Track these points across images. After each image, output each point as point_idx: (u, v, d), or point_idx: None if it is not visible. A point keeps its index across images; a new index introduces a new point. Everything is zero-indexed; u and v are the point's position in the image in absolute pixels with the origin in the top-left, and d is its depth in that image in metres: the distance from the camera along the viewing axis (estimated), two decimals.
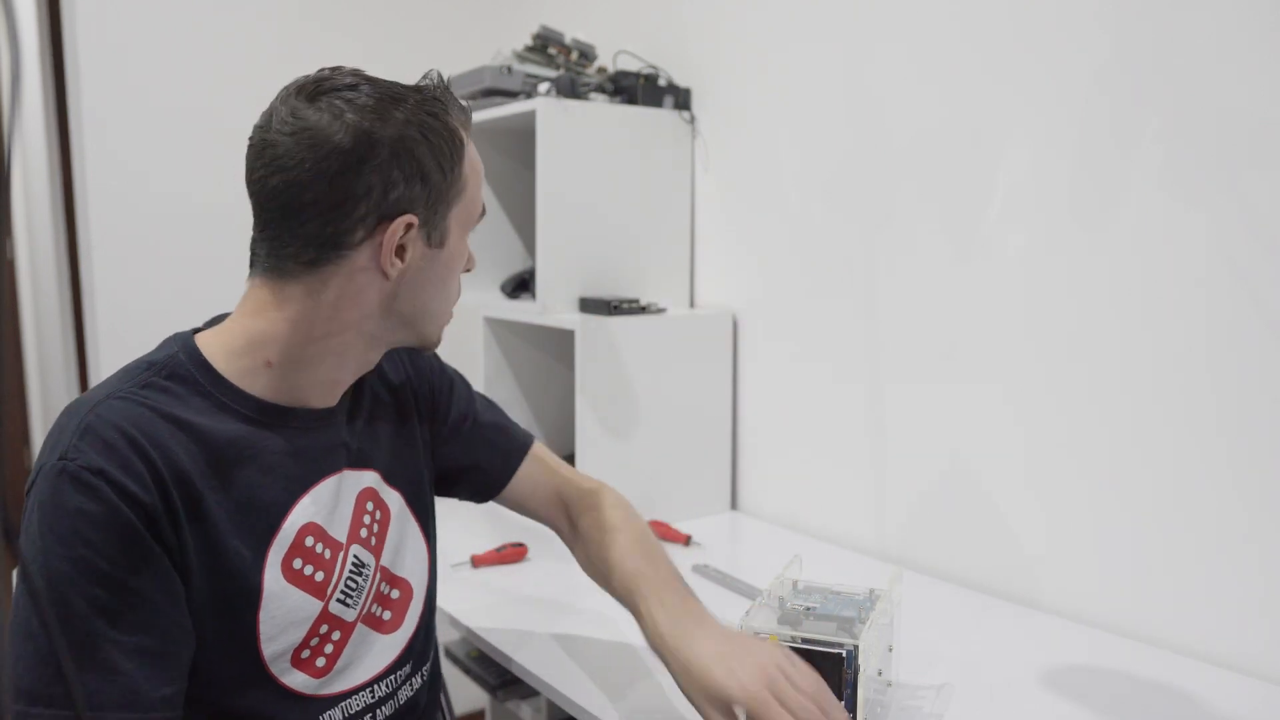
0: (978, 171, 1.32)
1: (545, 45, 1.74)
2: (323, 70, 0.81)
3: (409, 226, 0.80)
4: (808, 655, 0.86)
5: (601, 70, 1.79)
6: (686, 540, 1.53)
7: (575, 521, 1.06)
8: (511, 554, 1.44)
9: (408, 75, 0.86)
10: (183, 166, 1.93)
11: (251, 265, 0.83)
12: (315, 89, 0.78)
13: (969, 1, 1.32)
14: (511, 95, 1.68)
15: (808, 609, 0.95)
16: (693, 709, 0.85)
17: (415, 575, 0.97)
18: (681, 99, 1.76)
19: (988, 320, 1.33)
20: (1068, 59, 1.21)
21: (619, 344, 1.59)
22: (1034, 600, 1.30)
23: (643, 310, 1.64)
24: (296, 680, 0.84)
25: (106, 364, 1.88)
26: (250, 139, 0.79)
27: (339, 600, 0.86)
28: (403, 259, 0.81)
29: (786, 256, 1.63)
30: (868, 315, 1.50)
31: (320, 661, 0.85)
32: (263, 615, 0.80)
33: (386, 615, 0.93)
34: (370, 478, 0.92)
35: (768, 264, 1.66)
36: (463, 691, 2.11)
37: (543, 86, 1.65)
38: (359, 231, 0.78)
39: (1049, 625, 1.22)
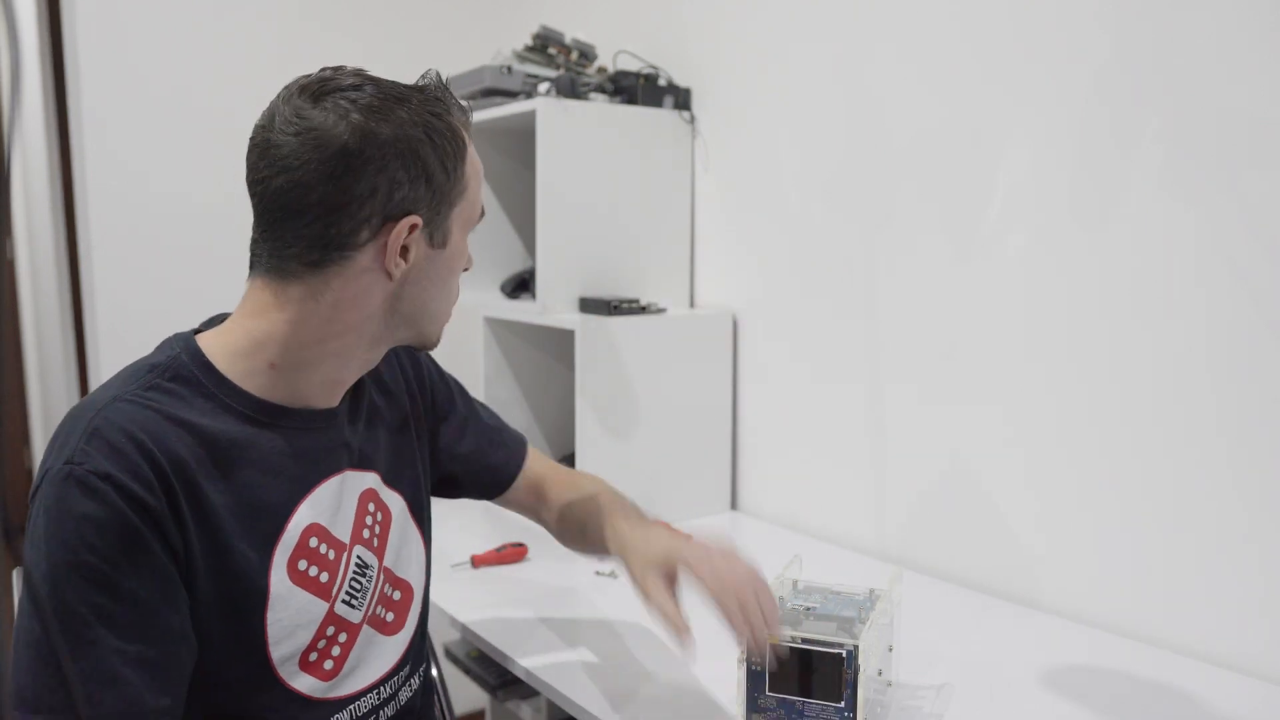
0: (977, 172, 1.32)
1: (545, 45, 1.74)
2: (325, 70, 0.80)
3: (413, 227, 0.80)
4: (808, 655, 0.86)
5: (601, 70, 1.79)
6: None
7: (553, 501, 1.12)
8: (511, 554, 1.44)
9: (408, 75, 0.85)
10: (183, 166, 1.93)
11: (252, 266, 0.82)
12: (319, 89, 0.77)
13: (969, 2, 1.32)
14: (511, 95, 1.68)
15: (808, 609, 0.95)
16: (685, 708, 0.85)
17: (415, 577, 0.97)
18: (681, 99, 1.76)
19: (987, 320, 1.33)
20: (1068, 59, 1.21)
21: (619, 344, 1.59)
22: (1034, 600, 1.30)
23: (643, 310, 1.64)
24: (305, 684, 0.83)
25: (106, 364, 1.88)
26: (252, 138, 0.79)
27: (344, 602, 0.86)
28: (406, 260, 0.81)
29: (786, 256, 1.63)
30: (867, 315, 1.50)
31: (328, 664, 0.85)
32: (270, 617, 0.80)
33: (390, 617, 0.93)
34: (371, 479, 0.92)
35: (768, 264, 1.66)
36: (463, 691, 2.11)
37: (543, 86, 1.65)
38: (363, 232, 0.78)
39: (1049, 625, 1.22)
